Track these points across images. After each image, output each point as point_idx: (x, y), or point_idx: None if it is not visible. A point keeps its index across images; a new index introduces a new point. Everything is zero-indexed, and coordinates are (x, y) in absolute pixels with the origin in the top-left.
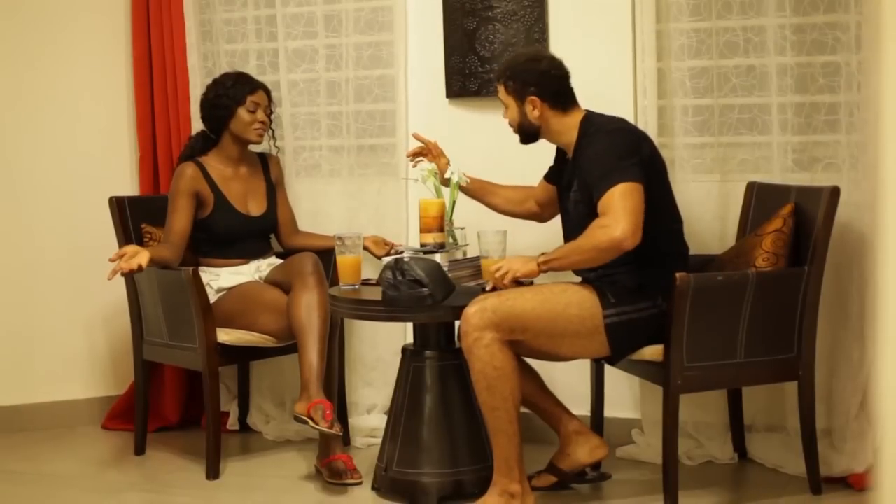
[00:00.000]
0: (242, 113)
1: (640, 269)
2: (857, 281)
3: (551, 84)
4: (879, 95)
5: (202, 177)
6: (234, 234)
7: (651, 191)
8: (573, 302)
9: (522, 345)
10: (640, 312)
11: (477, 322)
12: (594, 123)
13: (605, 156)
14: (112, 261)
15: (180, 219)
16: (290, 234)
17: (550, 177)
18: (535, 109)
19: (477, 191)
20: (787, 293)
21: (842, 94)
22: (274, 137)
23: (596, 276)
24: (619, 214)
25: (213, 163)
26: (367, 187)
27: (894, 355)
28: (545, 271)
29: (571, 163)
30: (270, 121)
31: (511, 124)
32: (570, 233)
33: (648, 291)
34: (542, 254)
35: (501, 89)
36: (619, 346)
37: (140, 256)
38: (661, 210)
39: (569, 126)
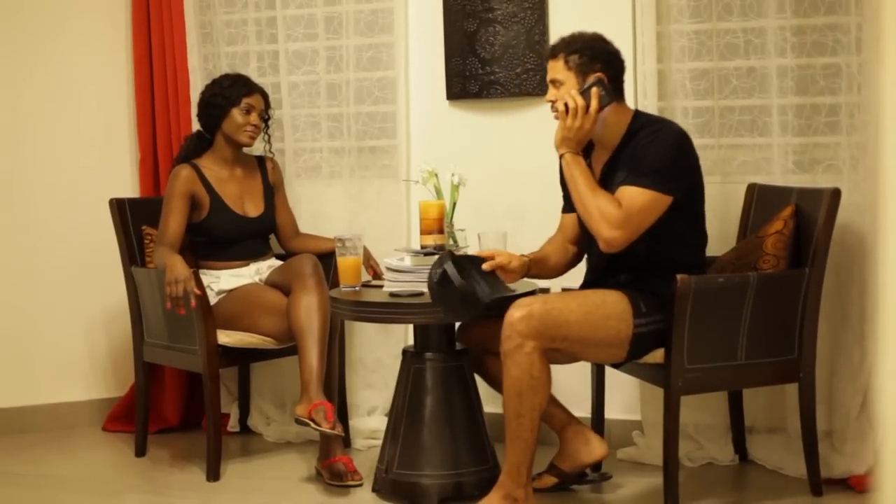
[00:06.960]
0: (236, 114)
1: (673, 279)
2: (857, 282)
3: (617, 67)
4: (880, 97)
5: (197, 178)
6: (232, 236)
7: (692, 201)
8: (613, 314)
9: (549, 351)
10: (664, 322)
11: (522, 329)
12: (648, 120)
13: (664, 156)
14: (170, 296)
15: (175, 220)
16: (291, 237)
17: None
18: None
19: (534, 268)
20: (788, 295)
21: (842, 96)
22: (269, 143)
23: (631, 280)
24: (627, 221)
25: (209, 164)
26: (367, 189)
27: (895, 357)
28: (561, 156)
29: (617, 156)
30: (266, 126)
31: (556, 106)
32: None
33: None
34: (573, 154)
35: (560, 64)
36: (635, 353)
37: (189, 283)
38: (697, 222)
39: (620, 120)
